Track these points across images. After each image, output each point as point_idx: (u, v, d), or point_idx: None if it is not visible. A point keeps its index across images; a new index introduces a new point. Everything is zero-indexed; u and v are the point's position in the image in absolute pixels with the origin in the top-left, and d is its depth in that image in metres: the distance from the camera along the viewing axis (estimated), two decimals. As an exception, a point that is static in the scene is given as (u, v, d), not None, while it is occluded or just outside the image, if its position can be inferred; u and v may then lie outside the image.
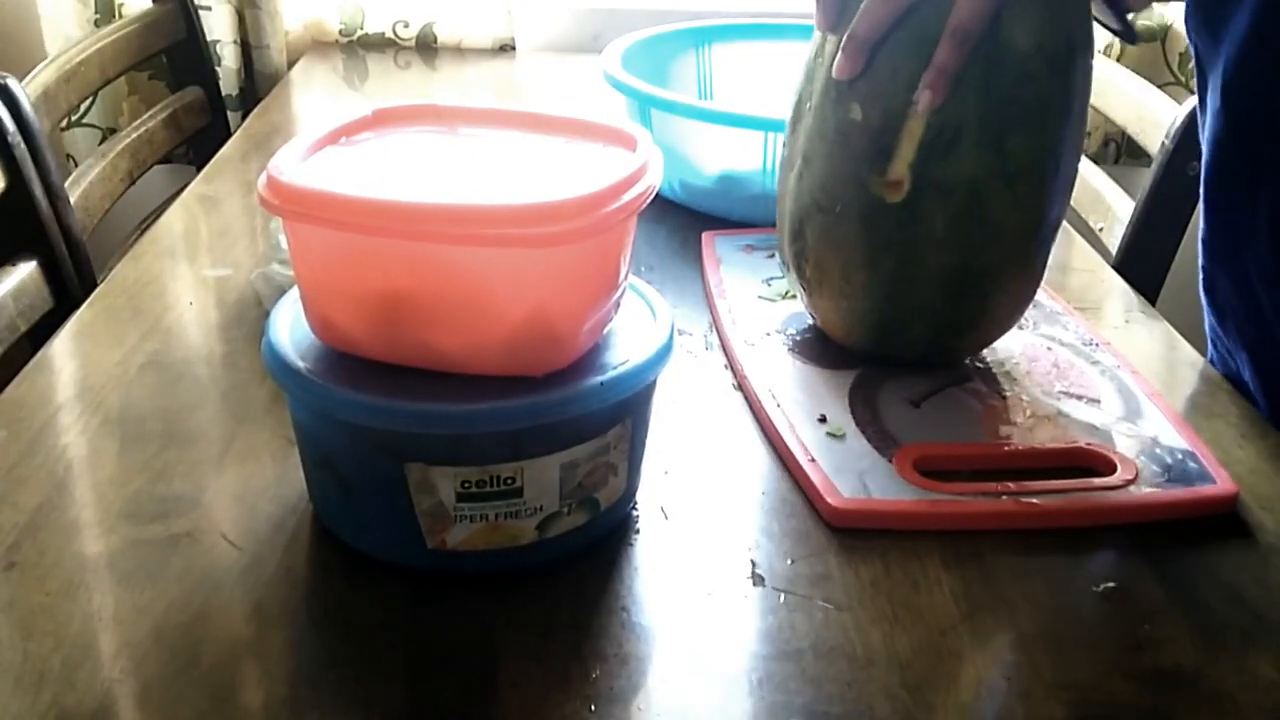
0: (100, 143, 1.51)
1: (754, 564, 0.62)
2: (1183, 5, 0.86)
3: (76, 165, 1.35)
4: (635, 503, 0.66)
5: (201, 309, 0.88)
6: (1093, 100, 0.73)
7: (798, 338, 0.83)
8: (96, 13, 1.51)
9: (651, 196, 0.58)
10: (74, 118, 1.52)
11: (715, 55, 1.25)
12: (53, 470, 0.67)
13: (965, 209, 0.71)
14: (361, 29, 1.60)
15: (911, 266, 0.73)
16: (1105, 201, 1.28)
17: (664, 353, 0.61)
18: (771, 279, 0.91)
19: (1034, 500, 0.66)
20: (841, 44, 0.70)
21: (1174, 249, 1.30)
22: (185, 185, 1.13)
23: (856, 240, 0.73)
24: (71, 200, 1.09)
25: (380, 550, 0.60)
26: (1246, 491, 0.69)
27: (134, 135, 1.32)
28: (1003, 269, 0.74)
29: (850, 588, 0.60)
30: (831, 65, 0.71)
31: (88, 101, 1.50)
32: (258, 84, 1.58)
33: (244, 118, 1.47)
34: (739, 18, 1.30)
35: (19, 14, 1.54)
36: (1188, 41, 0.71)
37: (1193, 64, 0.88)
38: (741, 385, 0.79)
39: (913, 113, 0.69)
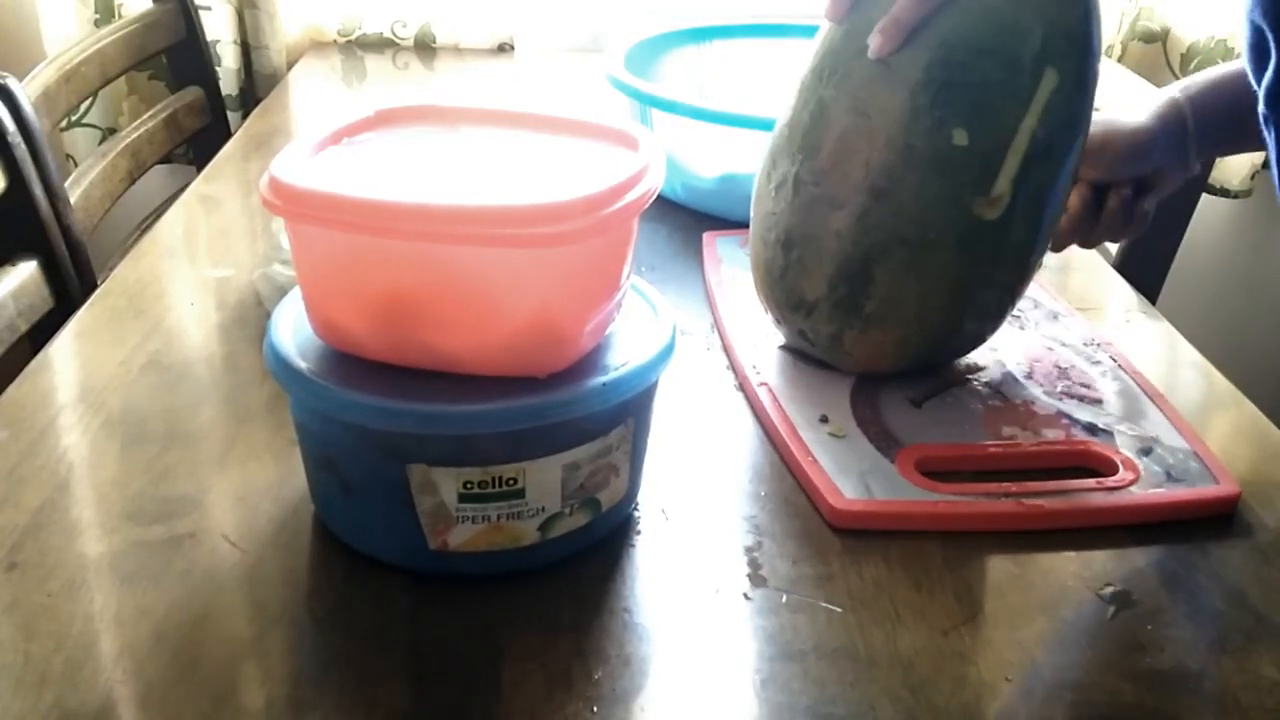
0: (100, 143, 1.50)
1: (756, 565, 0.62)
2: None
3: (76, 165, 1.35)
4: (637, 503, 0.66)
5: (203, 309, 0.87)
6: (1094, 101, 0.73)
7: (799, 338, 0.83)
8: (96, 13, 1.51)
9: (654, 197, 0.58)
10: (74, 118, 1.52)
11: (716, 55, 1.25)
12: (54, 471, 0.67)
13: (1046, 214, 0.72)
14: (360, 29, 1.60)
15: (989, 278, 0.73)
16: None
17: (666, 353, 0.61)
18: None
19: (1036, 501, 0.66)
20: (880, 25, 0.68)
21: (1174, 249, 1.30)
22: (185, 185, 1.13)
23: (946, 265, 0.71)
24: (71, 200, 1.09)
25: (382, 551, 0.60)
26: (1248, 492, 0.69)
27: (134, 135, 1.32)
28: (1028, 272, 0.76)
29: (852, 588, 0.60)
30: (931, 108, 0.68)
31: (88, 101, 1.50)
32: (257, 84, 1.58)
33: (244, 118, 1.47)
34: (740, 18, 1.30)
35: (19, 14, 1.54)
36: (1249, 23, 0.69)
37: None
38: (743, 386, 0.79)
39: (1021, 128, 0.68)
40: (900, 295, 0.72)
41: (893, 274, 0.71)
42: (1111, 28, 1.55)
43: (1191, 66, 1.53)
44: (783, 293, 0.76)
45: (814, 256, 0.73)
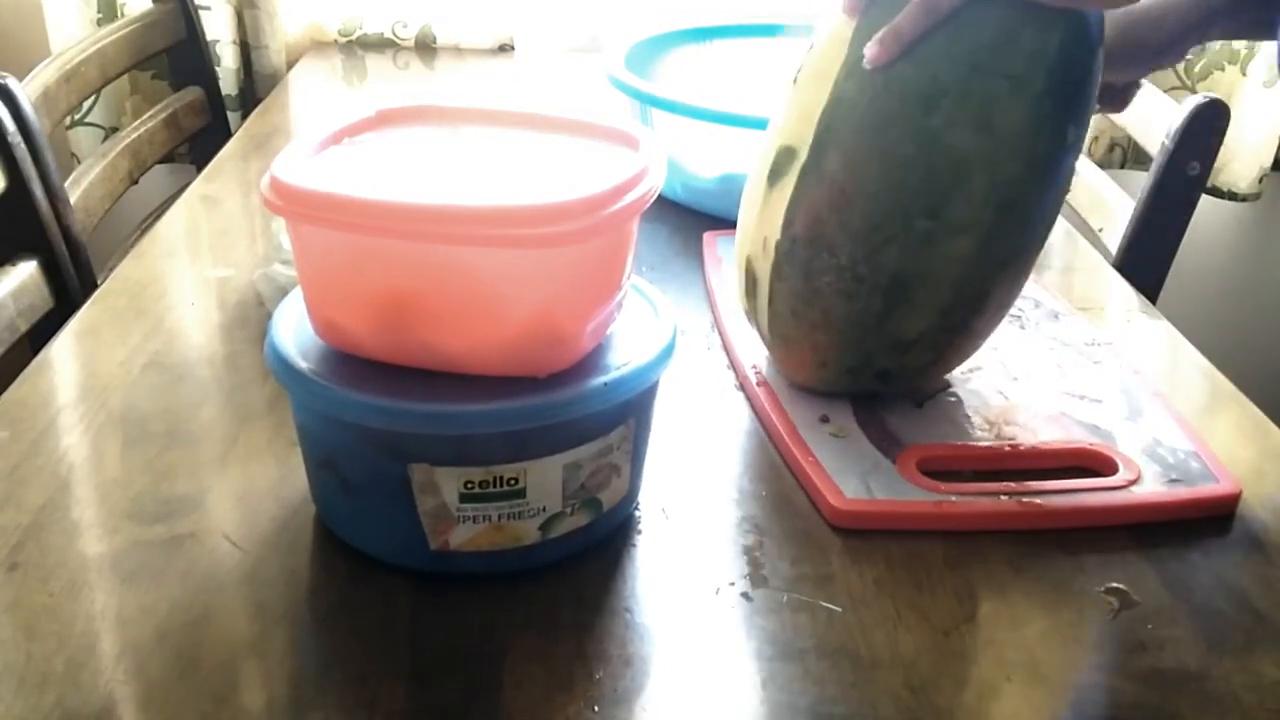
0: (104, 141, 1.50)
1: (757, 564, 0.62)
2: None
3: (81, 164, 1.35)
4: (638, 503, 0.66)
5: (204, 309, 0.87)
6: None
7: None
8: (99, 12, 1.51)
9: (654, 197, 0.58)
10: (77, 116, 1.52)
11: (716, 55, 1.25)
12: (55, 471, 0.67)
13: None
14: (360, 29, 1.60)
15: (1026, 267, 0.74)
16: (1105, 202, 1.28)
17: (667, 353, 0.61)
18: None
19: (1037, 501, 0.66)
20: (880, 35, 0.66)
21: (1174, 249, 1.30)
22: (185, 185, 1.13)
23: (1029, 264, 0.72)
24: (71, 200, 1.09)
25: (383, 551, 0.60)
26: (1249, 491, 0.69)
27: (134, 135, 1.32)
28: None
29: (853, 588, 0.60)
30: (1054, 112, 0.66)
31: (92, 100, 1.50)
32: (257, 84, 1.58)
33: (244, 118, 1.47)
34: (740, 18, 1.30)
35: (23, 13, 1.54)
36: None
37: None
38: (743, 385, 0.79)
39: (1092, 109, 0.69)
40: (1004, 303, 0.73)
41: (1006, 286, 0.71)
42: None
43: (1196, 69, 1.53)
44: (879, 339, 0.71)
45: (930, 290, 0.69)
